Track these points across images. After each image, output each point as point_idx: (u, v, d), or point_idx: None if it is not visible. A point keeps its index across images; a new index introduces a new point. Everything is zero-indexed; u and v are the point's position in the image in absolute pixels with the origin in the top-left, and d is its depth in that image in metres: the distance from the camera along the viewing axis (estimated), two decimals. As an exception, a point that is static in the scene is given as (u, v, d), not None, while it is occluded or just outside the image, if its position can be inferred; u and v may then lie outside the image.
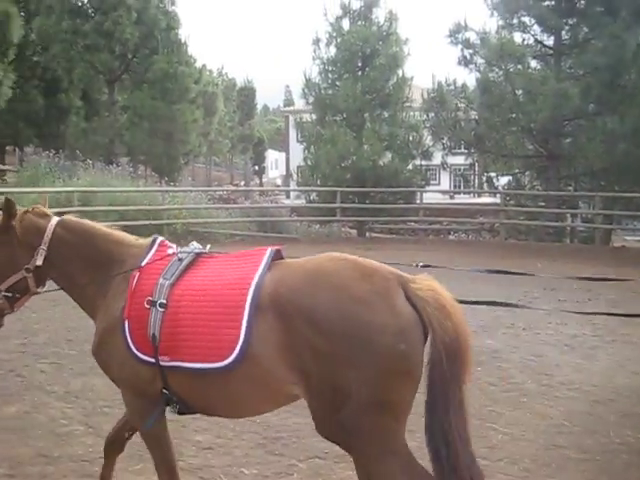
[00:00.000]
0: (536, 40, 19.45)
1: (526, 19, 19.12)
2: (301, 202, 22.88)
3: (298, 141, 27.30)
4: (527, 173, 21.43)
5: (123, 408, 3.18)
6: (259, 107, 76.38)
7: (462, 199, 29.18)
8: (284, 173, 46.15)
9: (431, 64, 25.08)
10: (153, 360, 2.76)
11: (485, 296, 9.10)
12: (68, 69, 28.56)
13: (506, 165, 21.29)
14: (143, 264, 2.94)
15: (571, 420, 4.94)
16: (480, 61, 19.33)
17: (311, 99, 21.39)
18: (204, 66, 38.38)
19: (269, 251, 2.82)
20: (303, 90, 21.51)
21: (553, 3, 18.69)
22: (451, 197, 31.13)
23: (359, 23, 21.21)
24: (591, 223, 18.32)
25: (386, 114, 21.37)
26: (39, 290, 3.20)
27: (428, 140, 20.98)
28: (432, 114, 20.37)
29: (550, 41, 19.26)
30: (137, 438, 3.22)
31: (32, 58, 29.62)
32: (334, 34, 21.22)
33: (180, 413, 2.98)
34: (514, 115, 18.68)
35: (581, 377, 6.02)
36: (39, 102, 29.07)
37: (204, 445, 4.39)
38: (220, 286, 2.73)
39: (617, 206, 17.47)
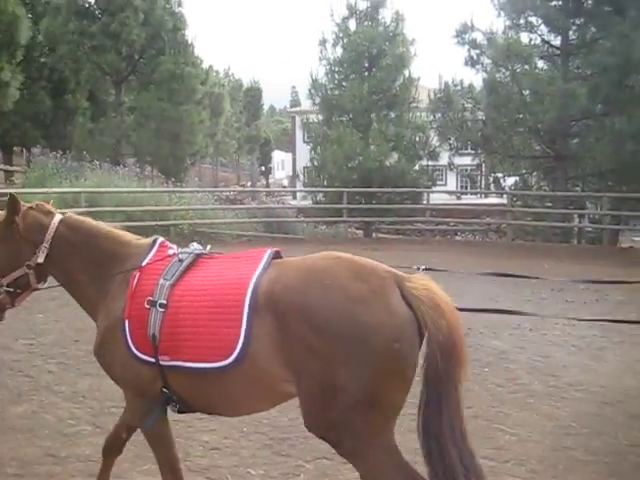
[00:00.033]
0: (543, 40, 19.37)
1: (533, 19, 19.04)
2: (307, 203, 22.86)
3: (305, 142, 27.28)
4: (534, 174, 21.33)
5: (129, 408, 3.19)
6: (265, 108, 76.61)
7: (469, 200, 29.08)
8: (290, 174, 46.27)
9: (438, 64, 25.12)
10: (153, 360, 2.78)
11: (492, 297, 9.13)
12: (75, 70, 28.66)
13: (513, 166, 21.21)
14: (143, 264, 2.95)
15: (579, 421, 4.92)
16: (487, 61, 19.27)
17: (318, 100, 21.36)
18: (211, 67, 38.57)
19: (269, 252, 2.84)
20: (310, 91, 21.51)
21: (560, 3, 18.60)
22: (458, 198, 31.06)
23: (366, 24, 21.20)
24: (599, 224, 18.25)
25: (393, 115, 21.35)
26: (40, 286, 3.21)
27: (435, 141, 20.97)
28: (439, 114, 20.36)
29: (557, 41, 19.17)
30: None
31: (39, 59, 29.78)
32: (340, 35, 21.22)
33: (180, 412, 3.00)
34: (521, 115, 18.63)
35: (589, 378, 6.00)
36: (46, 103, 29.21)
37: (211, 445, 4.40)
38: (220, 286, 2.74)
39: (625, 207, 17.34)
